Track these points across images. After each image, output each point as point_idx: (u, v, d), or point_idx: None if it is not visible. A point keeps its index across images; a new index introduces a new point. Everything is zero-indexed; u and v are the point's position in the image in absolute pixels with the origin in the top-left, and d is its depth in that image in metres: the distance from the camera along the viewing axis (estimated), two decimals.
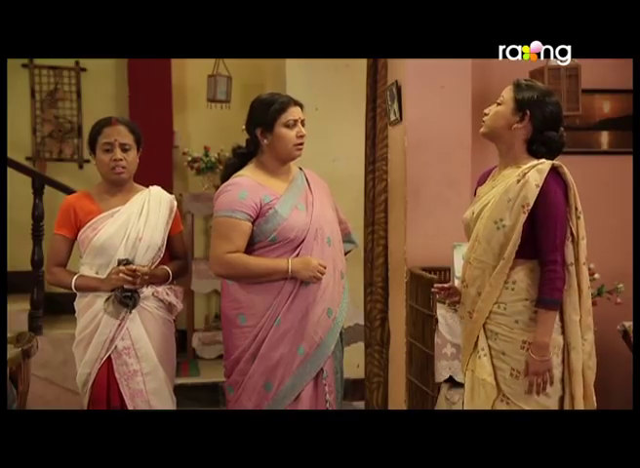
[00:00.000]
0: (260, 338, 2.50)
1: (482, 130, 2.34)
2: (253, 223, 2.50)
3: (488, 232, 2.24)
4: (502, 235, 2.20)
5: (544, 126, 2.24)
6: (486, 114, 2.32)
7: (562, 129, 2.29)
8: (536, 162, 2.22)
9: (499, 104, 2.29)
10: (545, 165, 2.20)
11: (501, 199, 2.22)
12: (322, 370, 2.56)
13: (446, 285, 2.40)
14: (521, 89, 2.26)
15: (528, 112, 2.22)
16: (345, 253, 2.74)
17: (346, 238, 2.77)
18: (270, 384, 2.51)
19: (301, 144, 2.56)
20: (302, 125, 2.56)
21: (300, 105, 2.58)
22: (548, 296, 2.17)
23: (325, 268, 2.50)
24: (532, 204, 2.16)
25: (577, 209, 2.23)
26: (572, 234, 2.22)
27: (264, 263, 2.49)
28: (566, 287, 2.20)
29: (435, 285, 2.45)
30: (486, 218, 2.25)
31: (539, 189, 2.16)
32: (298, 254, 2.51)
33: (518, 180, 2.19)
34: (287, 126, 2.52)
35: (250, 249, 2.52)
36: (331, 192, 2.76)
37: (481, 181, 2.44)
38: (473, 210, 2.34)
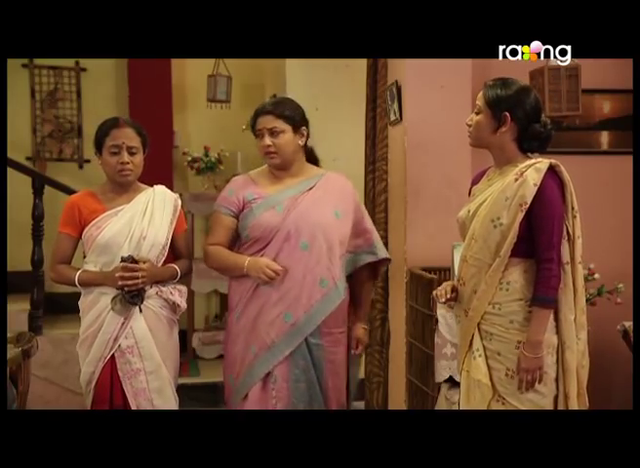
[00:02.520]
0: (227, 333, 2.62)
1: (470, 142, 2.35)
2: (238, 219, 2.58)
3: (485, 230, 2.23)
4: (499, 233, 2.20)
5: (528, 121, 2.23)
6: (469, 125, 2.31)
7: (544, 117, 2.28)
8: (533, 161, 2.22)
9: (477, 113, 2.28)
10: (543, 164, 2.20)
11: (499, 197, 2.22)
12: (270, 373, 2.51)
13: (448, 288, 2.35)
14: (493, 92, 2.24)
15: (507, 114, 2.22)
16: (375, 265, 2.72)
17: (367, 249, 2.67)
18: (232, 378, 2.58)
19: (274, 153, 2.53)
20: (272, 134, 2.51)
21: (272, 113, 2.52)
22: (543, 294, 2.17)
23: (275, 272, 2.44)
24: (529, 202, 2.16)
25: (573, 208, 2.22)
26: (568, 233, 2.22)
27: (230, 258, 2.56)
28: (561, 285, 2.20)
29: (436, 293, 2.37)
30: (482, 217, 2.25)
31: (536, 188, 2.16)
32: (263, 254, 2.51)
33: (516, 179, 2.19)
34: (257, 136, 2.56)
35: (237, 245, 2.61)
36: (356, 199, 2.69)
37: (476, 181, 2.44)
38: (469, 208, 2.33)
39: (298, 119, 2.55)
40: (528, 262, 2.22)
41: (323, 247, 2.51)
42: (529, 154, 2.28)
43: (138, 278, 2.47)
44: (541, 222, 2.18)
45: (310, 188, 2.58)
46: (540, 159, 2.23)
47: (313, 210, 2.54)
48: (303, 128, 2.57)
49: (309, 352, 2.51)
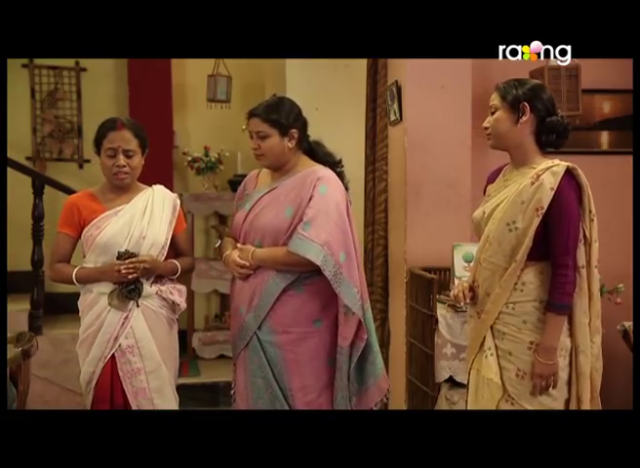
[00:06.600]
0: None
1: (490, 143, 2.32)
2: None
3: (499, 233, 2.22)
4: (514, 237, 2.19)
5: (546, 113, 2.23)
6: (486, 127, 2.30)
7: (559, 111, 2.28)
8: (550, 163, 2.20)
9: (493, 113, 2.28)
10: (560, 167, 2.18)
11: (515, 201, 2.20)
12: (235, 363, 2.62)
13: (466, 291, 2.31)
14: (508, 89, 2.25)
15: (526, 104, 2.22)
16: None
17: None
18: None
19: (260, 155, 2.52)
20: (259, 137, 2.49)
21: (259, 116, 2.50)
22: (558, 301, 2.16)
23: (241, 267, 2.48)
24: (546, 207, 2.14)
25: (590, 211, 2.21)
26: (585, 236, 2.21)
27: (222, 247, 2.66)
28: (576, 289, 2.19)
29: (453, 295, 2.35)
30: (498, 220, 2.23)
31: (553, 192, 2.14)
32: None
33: (532, 183, 2.17)
34: (249, 136, 2.54)
35: None
36: (318, 193, 2.44)
37: (491, 179, 2.42)
38: (484, 209, 2.32)
39: (285, 123, 2.48)
40: (544, 264, 2.20)
41: (272, 246, 2.47)
42: (546, 153, 2.27)
43: (138, 269, 2.48)
44: (558, 227, 2.16)
45: (276, 187, 2.55)
46: (557, 161, 2.21)
47: (267, 209, 2.52)
48: (293, 130, 2.50)
49: (262, 349, 2.48)
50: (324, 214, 2.42)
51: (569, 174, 2.18)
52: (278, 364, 2.47)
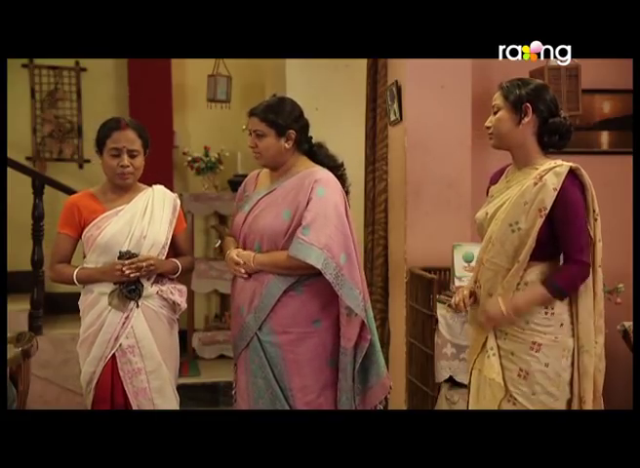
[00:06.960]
0: None
1: (492, 143, 2.31)
2: None
3: (502, 234, 2.22)
4: (517, 238, 2.19)
5: (549, 114, 2.23)
6: (488, 127, 2.30)
7: (562, 112, 2.28)
8: (553, 164, 2.20)
9: (495, 112, 2.28)
10: (563, 167, 2.17)
11: (517, 201, 2.20)
12: (236, 363, 2.62)
13: (466, 299, 2.31)
14: (511, 88, 2.25)
15: (529, 105, 2.21)
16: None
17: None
18: None
19: (257, 154, 2.53)
20: (257, 136, 2.50)
21: (257, 115, 2.50)
22: (561, 285, 2.16)
23: (238, 265, 2.49)
24: (549, 208, 2.14)
25: (594, 211, 2.21)
26: (589, 236, 2.20)
27: (224, 247, 2.67)
28: (582, 288, 2.19)
29: (455, 303, 2.35)
30: (501, 220, 2.23)
31: (556, 193, 2.14)
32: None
33: (535, 183, 2.16)
34: (250, 135, 2.54)
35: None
36: (315, 195, 2.43)
37: (494, 180, 2.41)
38: (487, 210, 2.32)
39: (283, 124, 2.48)
40: (547, 264, 2.21)
41: (273, 248, 2.48)
42: (548, 154, 2.27)
43: (140, 268, 2.48)
44: (568, 227, 2.16)
45: (274, 189, 2.54)
46: (560, 162, 2.21)
47: (265, 212, 2.52)
48: (291, 131, 2.49)
49: (263, 349, 2.48)
50: (322, 216, 2.41)
51: (572, 174, 2.18)
52: (278, 364, 2.47)
